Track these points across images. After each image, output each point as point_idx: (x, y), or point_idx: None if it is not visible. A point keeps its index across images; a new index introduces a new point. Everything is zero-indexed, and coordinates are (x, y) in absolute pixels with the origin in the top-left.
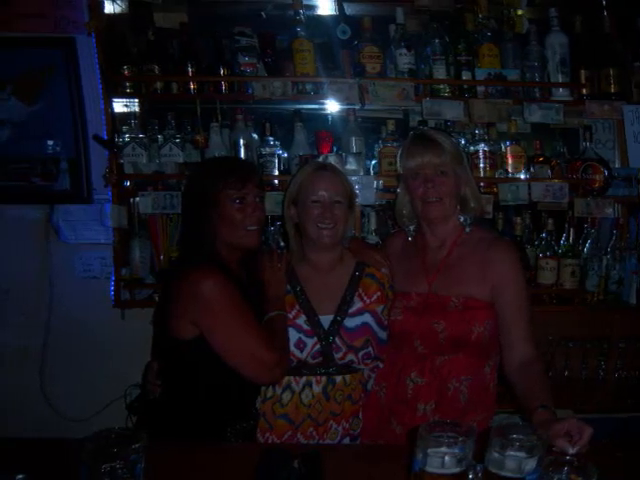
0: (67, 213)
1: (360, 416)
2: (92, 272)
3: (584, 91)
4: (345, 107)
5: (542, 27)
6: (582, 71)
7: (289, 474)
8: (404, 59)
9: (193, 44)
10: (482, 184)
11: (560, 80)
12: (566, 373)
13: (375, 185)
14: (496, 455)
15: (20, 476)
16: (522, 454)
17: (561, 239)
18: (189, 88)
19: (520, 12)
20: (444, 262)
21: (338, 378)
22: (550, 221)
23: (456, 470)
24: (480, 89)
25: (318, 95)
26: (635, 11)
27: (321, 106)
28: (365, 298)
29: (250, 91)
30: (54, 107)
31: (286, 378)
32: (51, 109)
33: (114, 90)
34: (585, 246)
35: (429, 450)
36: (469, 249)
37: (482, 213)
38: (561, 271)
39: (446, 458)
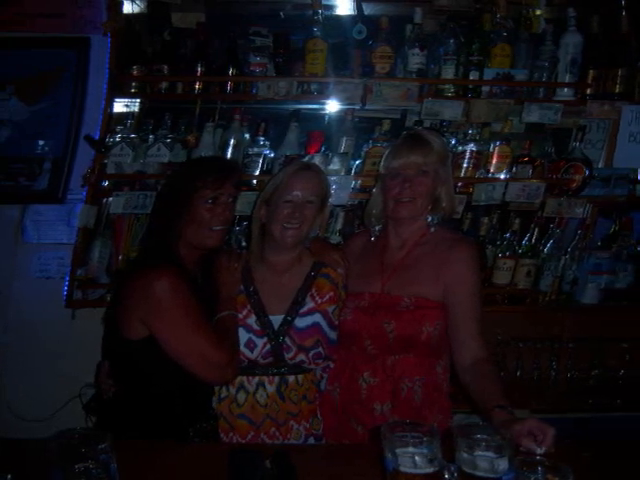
0: (37, 213)
1: (319, 416)
2: (47, 272)
3: (588, 91)
4: (345, 107)
5: (559, 27)
6: (590, 71)
7: (263, 474)
8: (415, 59)
9: (207, 44)
10: (460, 184)
11: (567, 80)
12: (518, 373)
13: (352, 185)
14: (466, 455)
15: (8, 476)
16: (491, 454)
17: (524, 239)
18: (194, 88)
19: (538, 12)
20: (401, 262)
21: (291, 378)
22: (517, 221)
23: (430, 470)
24: (485, 89)
25: (321, 95)
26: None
27: (321, 106)
28: (317, 298)
29: (254, 91)
30: (56, 107)
31: (239, 378)
32: (52, 109)
33: (119, 90)
34: (546, 246)
35: (397, 450)
36: (429, 249)
37: (452, 213)
38: (517, 271)
39: (417, 458)
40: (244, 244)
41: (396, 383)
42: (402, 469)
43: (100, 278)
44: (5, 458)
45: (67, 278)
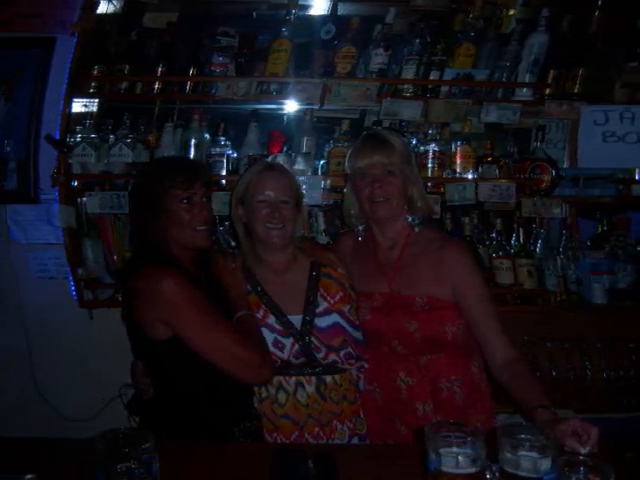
0: (15, 213)
1: (362, 416)
2: (49, 272)
3: (547, 91)
4: (304, 107)
5: (529, 27)
6: (551, 71)
7: (306, 473)
8: (378, 59)
9: (172, 45)
10: (429, 184)
11: (527, 80)
12: (553, 374)
13: (322, 185)
14: (509, 455)
15: (29, 476)
16: (535, 454)
17: (511, 239)
18: (153, 88)
19: (511, 12)
20: (398, 263)
21: (328, 378)
22: (499, 221)
23: (472, 470)
24: (444, 89)
25: (280, 95)
26: (632, 12)
27: (280, 106)
28: (329, 298)
29: (214, 91)
30: (16, 107)
31: (276, 378)
32: (14, 109)
33: (77, 90)
34: (536, 246)
35: (441, 450)
36: (421, 249)
37: (430, 213)
38: (517, 271)
39: (460, 458)
40: (233, 244)
41: (434, 383)
42: (444, 469)
43: (103, 278)
44: (41, 458)
45: (70, 278)
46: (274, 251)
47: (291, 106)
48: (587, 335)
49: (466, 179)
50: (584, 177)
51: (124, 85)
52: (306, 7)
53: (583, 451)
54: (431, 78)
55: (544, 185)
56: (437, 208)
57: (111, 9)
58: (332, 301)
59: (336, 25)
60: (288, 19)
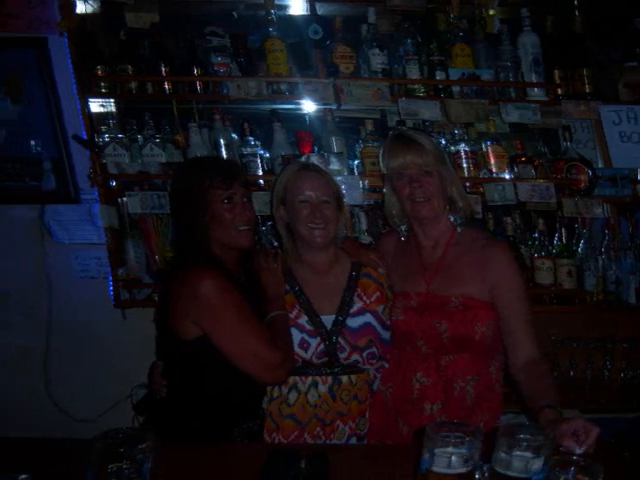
0: (56, 213)
1: (367, 416)
2: (90, 272)
3: (559, 91)
4: (321, 107)
5: (513, 27)
6: (556, 71)
7: (296, 474)
8: (377, 59)
9: (165, 44)
10: (467, 184)
11: (534, 80)
12: (571, 373)
13: (361, 185)
14: (503, 455)
15: (23, 476)
16: (529, 454)
17: (554, 239)
18: (164, 88)
19: (492, 12)
20: (441, 262)
21: (344, 378)
22: (541, 221)
23: (463, 470)
24: (455, 89)
25: (294, 95)
26: (615, 12)
27: (297, 106)
28: (365, 298)
29: (225, 91)
30: (31, 107)
31: (292, 378)
32: (29, 109)
33: (89, 90)
34: (579, 246)
35: (436, 450)
36: (464, 249)
37: (471, 213)
38: (557, 271)
39: (453, 458)
40: (276, 244)
41: (449, 383)
42: (434, 469)
43: (143, 278)
44: (47, 458)
45: (110, 278)
46: (317, 251)
47: (308, 106)
48: (618, 335)
49: (504, 179)
50: (620, 177)
51: (134, 85)
52: (284, 7)
53: (578, 451)
54: (437, 78)
55: (582, 185)
56: (478, 208)
57: (89, 9)
58: (368, 301)
59: (320, 25)
60: (271, 19)
